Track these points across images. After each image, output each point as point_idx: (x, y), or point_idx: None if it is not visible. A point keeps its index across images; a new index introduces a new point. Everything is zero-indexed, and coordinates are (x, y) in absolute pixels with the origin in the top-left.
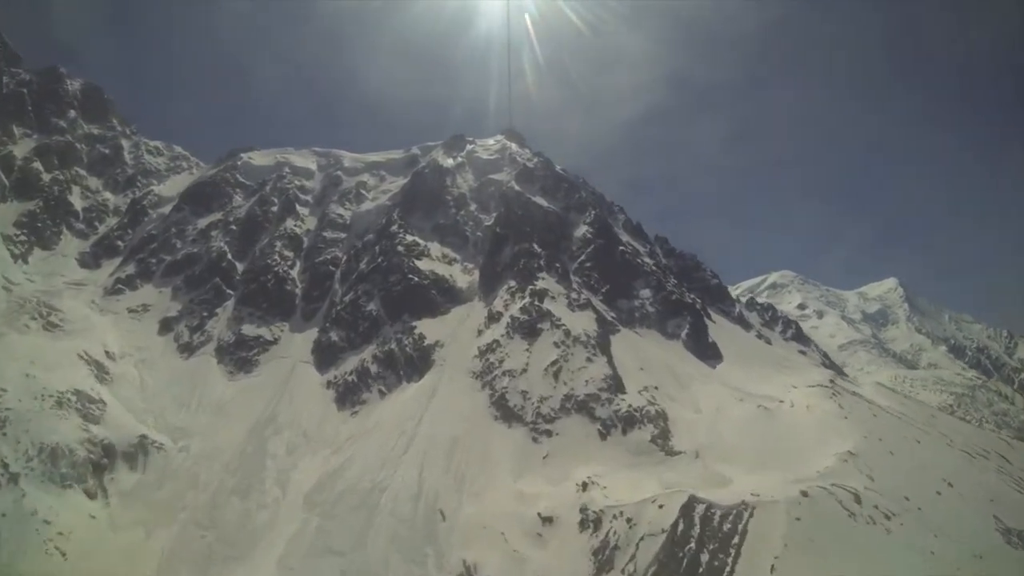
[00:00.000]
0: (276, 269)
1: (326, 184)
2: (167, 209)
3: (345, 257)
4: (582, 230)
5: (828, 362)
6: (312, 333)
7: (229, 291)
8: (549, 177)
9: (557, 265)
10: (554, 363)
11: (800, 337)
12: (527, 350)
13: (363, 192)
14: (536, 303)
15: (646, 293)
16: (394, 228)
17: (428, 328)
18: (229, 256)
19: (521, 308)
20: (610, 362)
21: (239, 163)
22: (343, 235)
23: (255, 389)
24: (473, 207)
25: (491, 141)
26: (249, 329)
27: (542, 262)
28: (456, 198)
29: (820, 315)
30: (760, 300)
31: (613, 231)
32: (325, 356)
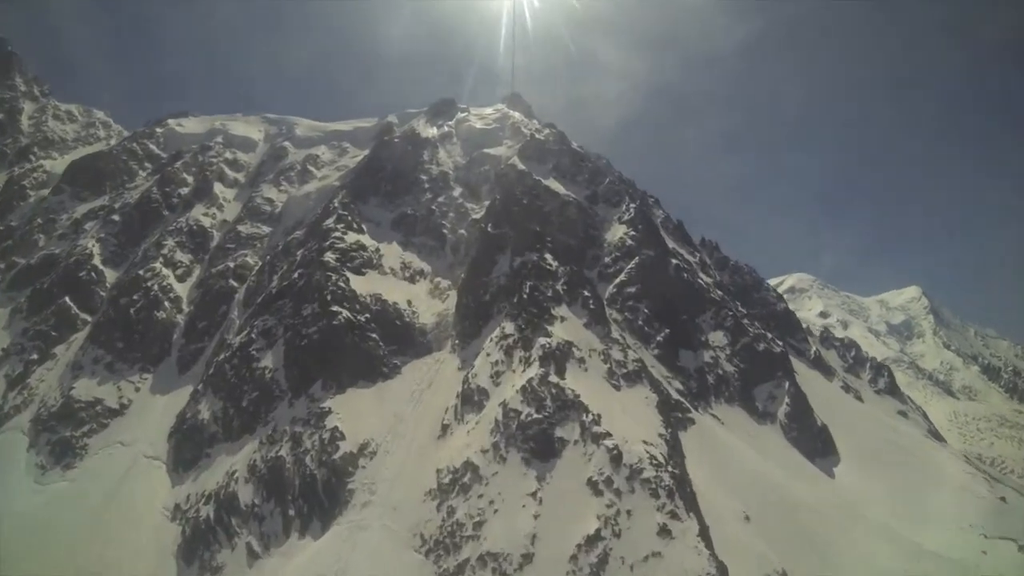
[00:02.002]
0: (149, 284)
1: (266, 158)
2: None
3: (259, 265)
4: (618, 232)
5: (931, 427)
6: (184, 395)
7: (85, 316)
8: (565, 153)
9: (585, 292)
10: (595, 539)
11: (894, 389)
12: (534, 495)
13: (310, 168)
14: (553, 377)
15: (719, 338)
16: (330, 222)
17: (353, 412)
18: (96, 261)
19: (524, 388)
20: (704, 533)
21: (160, 131)
22: (268, 230)
23: (61, 510)
24: (457, 192)
25: (488, 110)
26: (85, 388)
27: (561, 286)
28: (434, 179)
29: (845, 326)
30: (830, 333)
31: (662, 236)
32: (186, 448)
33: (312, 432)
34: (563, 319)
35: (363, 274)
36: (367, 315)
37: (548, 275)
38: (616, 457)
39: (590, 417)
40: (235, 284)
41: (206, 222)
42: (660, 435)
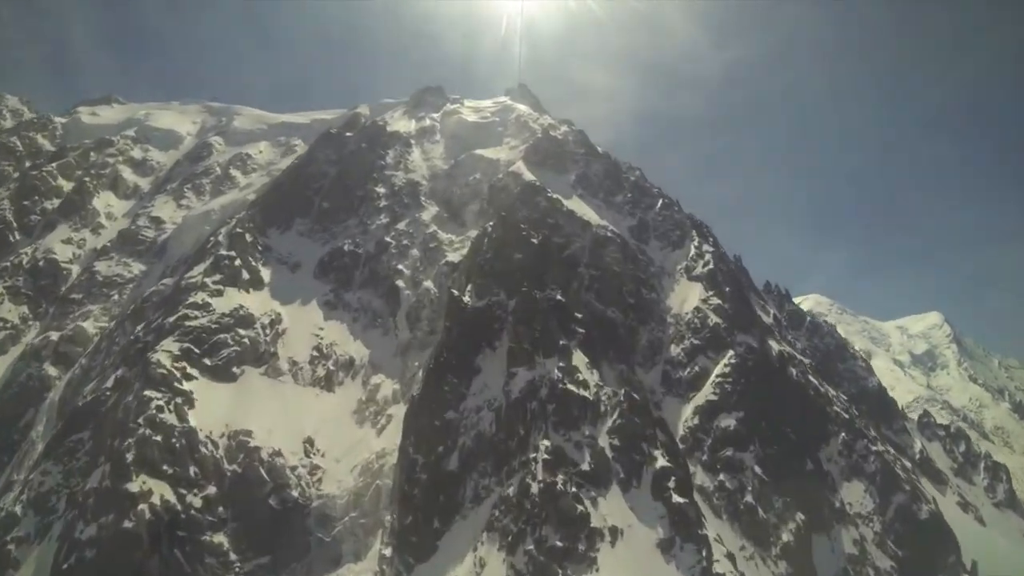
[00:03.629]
0: None
1: (184, 158)
2: None
3: (97, 338)
4: (690, 297)
5: None
6: None
7: None
8: (594, 159)
9: (657, 455)
10: None
11: (1013, 499)
12: None
13: (233, 173)
14: None
15: (859, 497)
16: (197, 272)
17: None
18: None
19: None
20: None
21: (61, 121)
22: (141, 270)
23: None
24: (429, 213)
25: (487, 102)
26: None
27: (607, 434)
28: (396, 192)
29: (869, 356)
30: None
31: (756, 311)
32: None
33: None
34: (616, 534)
35: (232, 379)
36: (213, 488)
37: (581, 410)
38: None
39: None
40: (53, 373)
41: (64, 253)
42: None
